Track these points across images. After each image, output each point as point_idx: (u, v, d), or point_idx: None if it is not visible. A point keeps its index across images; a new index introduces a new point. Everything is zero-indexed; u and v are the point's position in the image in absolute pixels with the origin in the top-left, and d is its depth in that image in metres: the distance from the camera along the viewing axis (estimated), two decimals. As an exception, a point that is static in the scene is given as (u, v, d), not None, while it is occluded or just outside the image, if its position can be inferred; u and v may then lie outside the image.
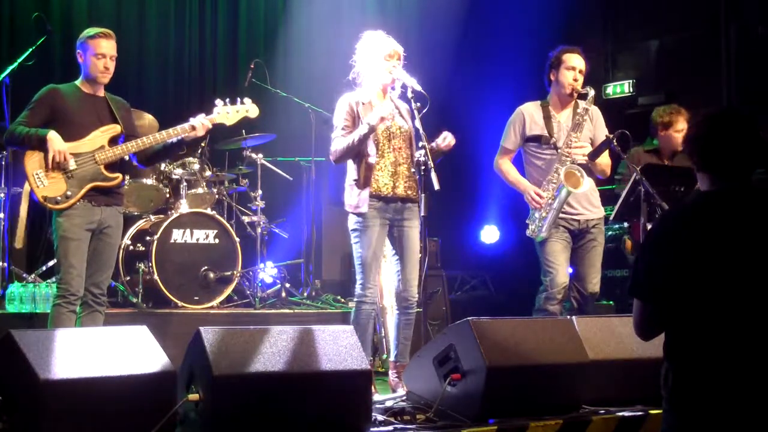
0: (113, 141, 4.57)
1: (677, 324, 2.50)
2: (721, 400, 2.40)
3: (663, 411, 2.56)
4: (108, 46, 4.54)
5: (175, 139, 4.58)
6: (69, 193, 4.40)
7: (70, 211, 4.41)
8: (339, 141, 4.62)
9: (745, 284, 2.44)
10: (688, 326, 2.48)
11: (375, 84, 4.73)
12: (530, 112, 5.11)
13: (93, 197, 4.47)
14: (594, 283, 5.03)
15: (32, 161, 4.40)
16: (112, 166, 4.53)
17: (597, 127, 5.12)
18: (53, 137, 4.37)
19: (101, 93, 4.64)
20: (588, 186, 4.94)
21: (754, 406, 2.38)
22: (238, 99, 4.78)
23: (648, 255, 2.57)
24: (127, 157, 4.60)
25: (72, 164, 4.41)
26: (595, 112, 5.15)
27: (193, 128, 4.55)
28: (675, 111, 5.81)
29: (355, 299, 4.67)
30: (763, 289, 2.43)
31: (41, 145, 4.38)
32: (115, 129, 4.58)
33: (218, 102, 4.73)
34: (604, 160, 5.06)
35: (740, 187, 2.59)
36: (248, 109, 4.79)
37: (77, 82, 4.62)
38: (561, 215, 4.96)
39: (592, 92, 5.06)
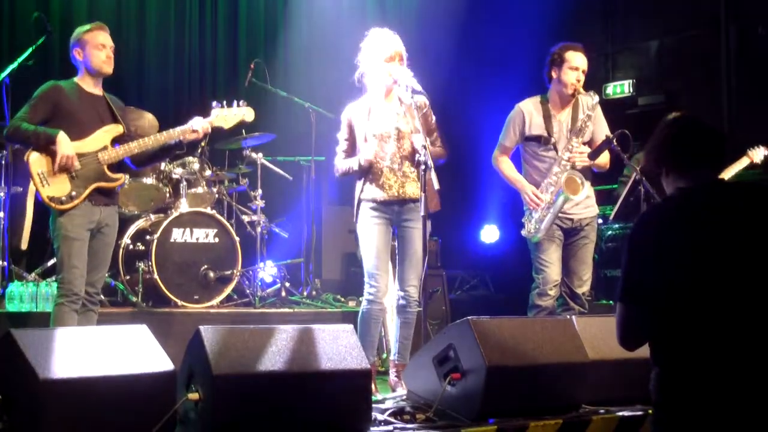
0: (114, 141, 4.56)
1: (664, 327, 2.46)
2: (709, 402, 2.38)
3: (652, 414, 2.54)
4: (107, 37, 4.55)
5: (173, 141, 4.59)
6: (74, 193, 4.38)
7: (72, 211, 4.38)
8: (340, 161, 4.71)
9: (732, 278, 2.41)
10: (675, 328, 2.44)
11: (377, 86, 4.72)
12: (530, 111, 5.05)
13: (93, 197, 4.46)
14: (585, 280, 5.03)
15: (36, 161, 4.35)
16: (113, 167, 4.52)
17: (596, 123, 5.08)
18: (62, 139, 4.33)
19: (100, 92, 4.61)
20: (586, 194, 4.94)
21: (742, 406, 2.36)
22: (235, 102, 4.78)
23: (634, 258, 2.52)
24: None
25: (77, 165, 4.38)
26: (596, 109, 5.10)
27: (194, 131, 4.58)
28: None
29: (364, 299, 4.66)
30: (749, 284, 2.41)
31: (49, 146, 4.34)
32: (117, 129, 4.57)
33: (215, 104, 4.73)
34: (604, 158, 5.05)
35: (715, 182, 2.60)
36: (245, 113, 4.80)
37: (76, 79, 4.58)
38: None
39: (596, 98, 5.00)
